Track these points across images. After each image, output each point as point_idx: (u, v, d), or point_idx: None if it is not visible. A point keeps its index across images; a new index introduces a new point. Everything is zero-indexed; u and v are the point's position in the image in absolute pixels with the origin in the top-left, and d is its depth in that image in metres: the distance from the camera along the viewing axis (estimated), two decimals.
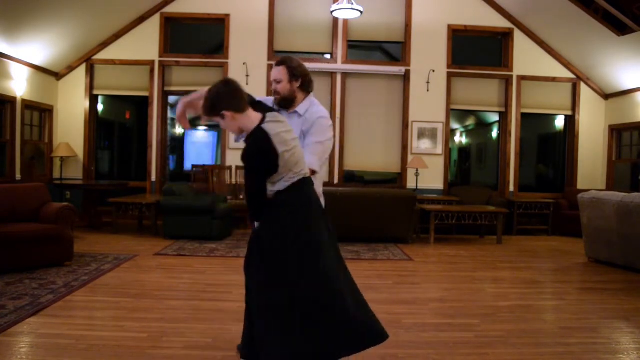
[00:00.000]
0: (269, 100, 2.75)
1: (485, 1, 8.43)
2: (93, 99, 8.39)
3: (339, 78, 8.44)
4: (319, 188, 2.62)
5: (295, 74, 2.62)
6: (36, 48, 7.07)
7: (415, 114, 8.45)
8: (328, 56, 8.63)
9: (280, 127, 2.27)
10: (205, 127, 13.29)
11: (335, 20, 8.25)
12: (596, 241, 5.81)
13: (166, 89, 8.44)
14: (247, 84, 8.08)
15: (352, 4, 6.60)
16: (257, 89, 7.86)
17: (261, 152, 2.21)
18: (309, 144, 2.56)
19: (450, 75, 8.50)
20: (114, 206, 7.03)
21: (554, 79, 8.60)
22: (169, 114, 9.18)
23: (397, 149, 8.56)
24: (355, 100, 8.52)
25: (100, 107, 8.75)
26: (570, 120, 8.78)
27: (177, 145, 12.32)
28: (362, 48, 10.07)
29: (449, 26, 8.46)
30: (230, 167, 8.21)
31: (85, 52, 8.11)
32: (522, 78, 8.56)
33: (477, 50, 9.33)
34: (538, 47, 8.52)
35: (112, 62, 8.26)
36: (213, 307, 3.78)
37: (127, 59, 8.25)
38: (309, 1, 8.41)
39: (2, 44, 6.42)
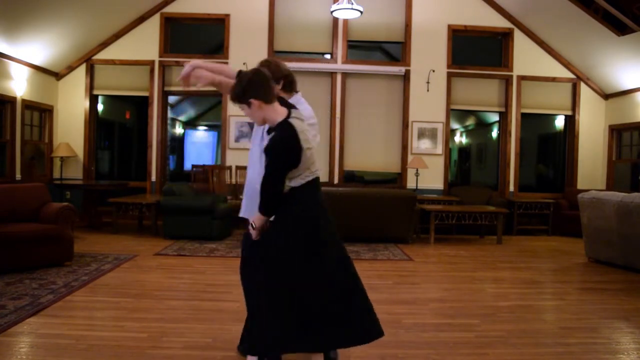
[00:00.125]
0: None
1: (485, 1, 8.43)
2: (93, 99, 8.39)
3: (339, 78, 8.44)
4: None
5: (275, 78, 2.62)
6: (36, 48, 7.07)
7: (415, 114, 8.45)
8: (328, 56, 8.63)
9: (303, 125, 2.33)
10: (205, 127, 13.31)
11: (335, 20, 8.25)
12: (596, 241, 5.81)
13: (166, 89, 8.44)
14: None
15: (352, 4, 6.60)
16: None
17: (288, 145, 2.24)
18: None
19: (450, 75, 8.50)
20: (114, 206, 7.03)
21: (554, 79, 8.60)
22: (169, 114, 9.19)
23: (397, 149, 8.56)
24: (355, 100, 8.52)
25: (100, 107, 8.75)
26: (570, 120, 8.78)
27: (177, 145, 12.34)
28: (362, 48, 10.07)
29: (449, 26, 8.46)
30: (230, 167, 8.21)
31: (85, 52, 8.11)
32: (522, 78, 8.56)
33: (477, 50, 9.33)
34: (538, 47, 8.52)
35: (112, 62, 8.26)
36: (213, 307, 3.78)
37: (127, 59, 8.25)
38: (309, 1, 8.41)
39: (2, 44, 6.42)
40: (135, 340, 3.06)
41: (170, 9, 8.26)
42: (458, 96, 8.61)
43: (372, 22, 8.28)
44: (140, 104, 9.60)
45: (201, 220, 6.61)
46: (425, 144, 8.47)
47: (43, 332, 3.15)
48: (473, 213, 7.02)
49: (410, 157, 8.36)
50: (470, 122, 12.21)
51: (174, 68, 8.39)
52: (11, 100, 6.87)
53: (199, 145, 12.99)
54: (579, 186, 8.53)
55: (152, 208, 6.99)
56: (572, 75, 8.60)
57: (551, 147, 10.42)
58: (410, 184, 8.33)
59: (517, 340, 3.23)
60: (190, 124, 13.06)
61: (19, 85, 6.97)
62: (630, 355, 3.07)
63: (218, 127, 10.88)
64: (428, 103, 8.45)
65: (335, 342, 2.38)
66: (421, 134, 8.47)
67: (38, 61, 7.37)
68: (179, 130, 12.50)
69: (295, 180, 2.29)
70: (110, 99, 9.36)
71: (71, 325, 3.29)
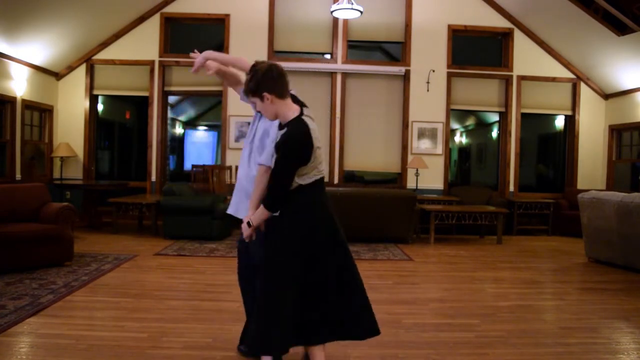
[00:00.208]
0: None
1: (485, 1, 8.43)
2: (93, 99, 8.39)
3: (339, 78, 8.44)
4: None
5: None
6: (36, 48, 7.07)
7: (415, 114, 8.45)
8: (328, 56, 8.63)
9: (314, 124, 2.34)
10: (205, 127, 13.31)
11: (335, 20, 8.25)
12: (596, 241, 5.81)
13: (166, 89, 8.43)
14: None
15: (352, 4, 6.60)
16: None
17: (301, 140, 2.26)
18: (268, 143, 2.52)
19: (450, 75, 8.50)
20: (114, 206, 7.03)
21: (554, 79, 8.60)
22: (169, 114, 9.19)
23: (397, 149, 8.56)
24: (355, 100, 8.52)
25: (100, 107, 8.75)
26: (570, 120, 8.78)
27: (177, 145, 12.33)
28: (362, 48, 10.07)
29: (449, 26, 8.46)
30: (230, 167, 8.21)
31: (85, 52, 8.12)
32: (522, 78, 8.56)
33: (477, 50, 9.33)
34: (538, 47, 8.52)
35: (112, 62, 8.26)
36: (213, 307, 3.78)
37: (127, 59, 8.25)
38: (309, 1, 8.41)
39: (2, 44, 6.42)
40: (135, 340, 3.06)
41: (170, 9, 8.26)
42: (458, 96, 8.61)
43: (372, 22, 8.29)
44: (140, 104, 9.59)
45: (201, 220, 6.61)
46: (425, 144, 8.47)
47: (43, 332, 3.15)
48: (473, 213, 7.02)
49: (410, 157, 8.36)
50: (470, 122, 12.21)
51: (174, 68, 8.39)
52: (11, 100, 6.87)
53: (199, 145, 12.99)
54: (579, 186, 8.53)
55: (152, 208, 6.99)
56: (572, 75, 8.60)
57: (551, 147, 10.42)
58: (410, 184, 8.33)
59: (517, 340, 3.23)
60: (190, 124, 13.07)
61: (19, 85, 6.98)
62: (630, 355, 3.07)
63: (218, 127, 10.88)
64: (428, 103, 8.45)
65: (332, 337, 2.41)
66: (421, 134, 8.47)
67: (38, 61, 7.37)
68: (179, 130, 12.50)
69: (304, 178, 2.30)
70: (110, 99, 9.36)
71: (71, 325, 3.29)
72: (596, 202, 5.74)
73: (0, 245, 4.52)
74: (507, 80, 8.58)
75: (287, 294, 2.27)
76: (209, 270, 5.04)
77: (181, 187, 7.09)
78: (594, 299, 4.32)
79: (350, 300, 2.38)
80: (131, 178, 9.51)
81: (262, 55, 8.27)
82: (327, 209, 2.38)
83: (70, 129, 8.21)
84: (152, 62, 8.27)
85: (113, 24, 8.01)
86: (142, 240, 6.58)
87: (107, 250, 5.79)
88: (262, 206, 2.34)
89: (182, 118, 12.60)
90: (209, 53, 2.75)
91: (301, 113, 2.32)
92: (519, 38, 8.50)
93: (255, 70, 2.30)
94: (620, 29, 7.01)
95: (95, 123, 8.49)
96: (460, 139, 12.71)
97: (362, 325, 2.40)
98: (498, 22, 8.48)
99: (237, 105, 8.10)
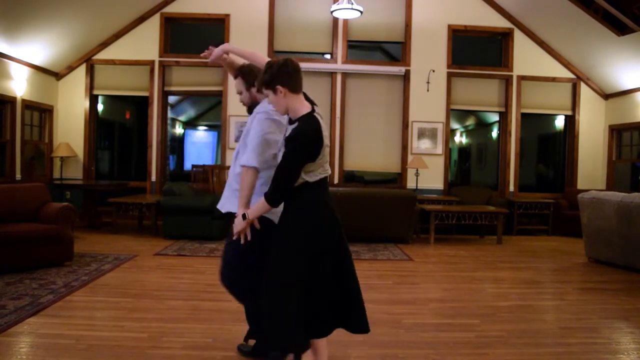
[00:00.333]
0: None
1: (485, 1, 8.43)
2: (93, 99, 8.38)
3: (339, 78, 8.44)
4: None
5: (249, 81, 2.67)
6: (36, 48, 7.07)
7: (415, 114, 8.45)
8: (328, 56, 8.63)
9: (323, 122, 2.36)
10: (205, 127, 13.31)
11: (335, 20, 8.25)
12: (596, 241, 5.81)
13: (166, 89, 8.43)
14: None
15: (352, 4, 6.60)
16: None
17: (312, 136, 2.26)
18: (248, 142, 2.53)
19: (450, 75, 8.50)
20: (114, 206, 7.03)
21: (554, 79, 8.60)
22: (169, 114, 9.19)
23: (397, 149, 8.56)
24: (355, 100, 8.52)
25: (100, 107, 8.75)
26: (570, 120, 8.78)
27: (177, 145, 12.33)
28: (362, 48, 10.06)
29: (449, 26, 8.46)
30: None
31: (85, 52, 8.11)
32: (522, 78, 8.56)
33: (477, 50, 9.33)
34: (538, 47, 8.52)
35: (112, 62, 8.26)
36: (213, 307, 3.78)
37: (127, 59, 8.25)
38: (309, 1, 8.41)
39: (2, 44, 6.42)
40: (135, 340, 3.06)
41: (170, 9, 8.26)
42: (458, 96, 8.61)
43: (372, 22, 8.28)
44: (140, 104, 9.59)
45: (201, 220, 6.61)
46: (425, 144, 8.47)
47: (43, 332, 3.15)
48: (473, 213, 7.02)
49: (410, 157, 8.36)
50: (470, 122, 12.21)
51: (174, 68, 8.39)
52: (11, 100, 6.87)
53: (199, 145, 12.99)
54: (579, 186, 8.53)
55: (152, 208, 6.99)
56: (572, 75, 8.60)
57: (551, 147, 10.41)
58: (410, 184, 8.33)
59: (517, 340, 3.23)
60: (190, 124, 13.07)
61: (19, 85, 6.97)
62: (630, 355, 3.07)
63: (218, 127, 10.87)
64: (428, 103, 8.45)
65: (331, 330, 2.42)
66: (421, 134, 8.47)
67: (38, 61, 7.37)
68: (179, 130, 12.50)
69: (310, 175, 2.29)
70: (110, 99, 9.36)
71: (71, 325, 3.29)
72: (596, 202, 5.74)
73: (0, 245, 4.53)
74: (507, 80, 8.58)
75: (291, 291, 2.27)
76: (209, 270, 5.04)
77: (181, 187, 7.09)
78: (594, 299, 4.32)
79: (349, 296, 2.39)
80: (131, 178, 9.51)
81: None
82: (330, 208, 2.38)
83: (70, 129, 8.21)
84: (152, 62, 8.27)
85: (113, 24, 8.01)
86: (142, 240, 6.58)
87: (107, 250, 5.79)
88: (262, 199, 2.33)
89: (182, 118, 12.60)
90: (226, 47, 3.02)
91: (312, 110, 2.34)
92: (519, 38, 8.50)
93: (271, 64, 2.34)
94: (620, 29, 7.01)
95: (95, 123, 8.49)
96: (460, 139, 12.71)
97: (355, 319, 2.41)
98: (498, 22, 8.48)
99: (237, 106, 8.04)
